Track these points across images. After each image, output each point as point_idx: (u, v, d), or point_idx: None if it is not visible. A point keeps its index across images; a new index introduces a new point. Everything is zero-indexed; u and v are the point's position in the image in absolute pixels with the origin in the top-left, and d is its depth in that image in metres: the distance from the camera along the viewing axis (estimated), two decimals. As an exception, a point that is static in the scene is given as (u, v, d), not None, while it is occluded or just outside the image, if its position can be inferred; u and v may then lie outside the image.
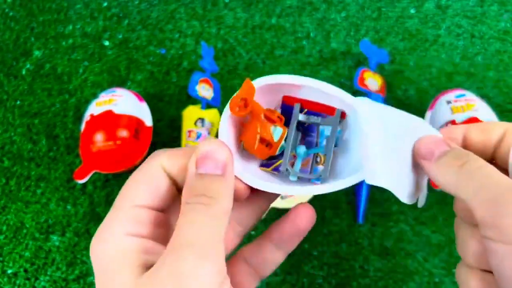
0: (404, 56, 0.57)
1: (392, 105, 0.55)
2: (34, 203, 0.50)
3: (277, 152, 0.26)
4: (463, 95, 0.47)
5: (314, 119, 0.26)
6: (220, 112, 0.53)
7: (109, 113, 0.48)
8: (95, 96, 0.56)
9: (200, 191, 0.19)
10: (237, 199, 0.21)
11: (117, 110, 0.48)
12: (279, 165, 0.25)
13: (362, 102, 0.25)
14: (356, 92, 0.54)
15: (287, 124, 0.26)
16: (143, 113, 0.50)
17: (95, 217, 0.49)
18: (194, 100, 0.55)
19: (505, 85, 0.53)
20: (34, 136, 0.55)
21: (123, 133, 0.47)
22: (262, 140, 0.25)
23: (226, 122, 0.25)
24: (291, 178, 0.25)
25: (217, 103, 0.52)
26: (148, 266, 0.18)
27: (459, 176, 0.20)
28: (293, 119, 0.26)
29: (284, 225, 0.24)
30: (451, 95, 0.48)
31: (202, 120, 0.50)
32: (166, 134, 0.53)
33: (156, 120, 0.53)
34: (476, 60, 0.56)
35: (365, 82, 0.50)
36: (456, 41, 0.57)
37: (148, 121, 0.50)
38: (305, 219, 0.24)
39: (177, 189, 0.22)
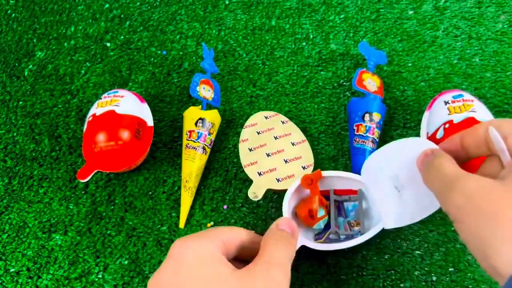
0: (402, 57, 0.57)
1: (390, 106, 0.56)
2: (36, 202, 0.51)
3: (315, 226, 0.42)
4: (461, 95, 0.47)
5: (343, 197, 0.45)
6: (220, 112, 0.54)
7: (111, 113, 0.48)
8: (97, 96, 0.57)
9: (282, 234, 0.33)
10: None
11: (119, 110, 0.48)
12: (329, 235, 0.42)
13: (364, 173, 0.42)
14: (354, 93, 0.55)
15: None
16: (145, 113, 0.51)
17: (97, 216, 0.49)
18: (195, 100, 0.56)
19: (502, 86, 0.54)
20: (36, 136, 0.55)
21: (125, 133, 0.47)
22: (310, 211, 0.41)
23: (289, 195, 0.43)
24: (342, 237, 0.43)
25: (218, 104, 0.53)
26: (234, 269, 0.29)
27: (426, 175, 0.32)
28: (331, 199, 0.44)
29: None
30: (448, 95, 0.48)
31: (202, 120, 0.50)
32: (167, 134, 0.54)
33: (157, 120, 0.54)
34: (473, 61, 0.56)
35: (363, 83, 0.51)
36: (454, 42, 0.58)
37: (149, 121, 0.51)
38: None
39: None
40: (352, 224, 0.43)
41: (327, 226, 0.43)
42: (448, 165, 0.29)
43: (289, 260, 0.30)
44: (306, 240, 0.41)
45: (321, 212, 0.42)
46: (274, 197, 0.49)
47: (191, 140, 0.50)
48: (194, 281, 0.25)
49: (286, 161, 0.48)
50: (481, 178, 0.26)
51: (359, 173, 0.43)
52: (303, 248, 0.41)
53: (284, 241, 0.31)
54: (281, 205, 0.43)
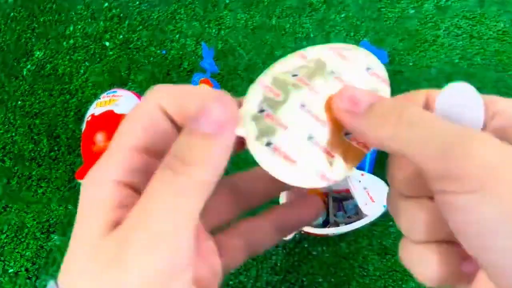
0: (404, 56, 0.57)
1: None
2: (35, 202, 0.51)
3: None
4: (462, 95, 0.47)
5: (342, 194, 0.46)
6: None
7: (110, 113, 0.48)
8: (96, 96, 0.56)
9: (177, 152, 0.15)
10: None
11: (118, 110, 0.48)
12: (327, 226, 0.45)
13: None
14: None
15: None
16: (144, 113, 0.50)
17: (96, 217, 0.49)
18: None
19: (504, 85, 0.54)
20: (35, 136, 0.55)
21: (124, 133, 0.47)
22: None
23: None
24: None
25: (217, 103, 0.53)
26: (116, 223, 0.16)
27: (397, 128, 0.16)
28: (329, 196, 0.46)
29: (289, 213, 0.23)
30: (450, 95, 0.48)
31: (202, 120, 0.50)
32: (167, 134, 0.54)
33: (156, 120, 0.54)
34: (475, 60, 0.56)
35: (364, 82, 0.51)
36: (455, 42, 0.57)
37: (148, 121, 0.51)
38: (313, 212, 0.23)
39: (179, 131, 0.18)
40: (352, 218, 0.44)
41: (325, 223, 0.43)
42: (438, 119, 0.16)
43: (177, 225, 0.15)
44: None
45: None
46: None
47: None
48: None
49: None
50: (498, 142, 0.15)
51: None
52: (303, 249, 0.41)
53: (174, 172, 0.15)
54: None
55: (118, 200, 0.16)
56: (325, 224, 0.43)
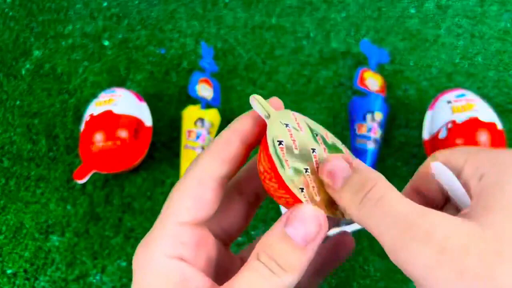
0: (404, 56, 0.56)
1: (392, 105, 0.55)
2: (33, 203, 0.50)
3: None
4: (464, 95, 0.47)
5: None
6: (220, 112, 0.53)
7: (108, 113, 0.47)
8: (94, 96, 0.56)
9: (276, 256, 0.18)
10: None
11: (117, 110, 0.48)
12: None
13: None
14: (356, 92, 0.54)
15: None
16: (143, 113, 0.50)
17: (95, 217, 0.49)
18: (194, 100, 0.55)
19: (505, 85, 0.53)
20: (33, 136, 0.55)
21: (123, 133, 0.47)
22: None
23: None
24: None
25: (217, 103, 0.52)
26: None
27: (361, 212, 0.18)
28: None
29: (325, 253, 0.25)
30: (451, 95, 0.47)
31: (202, 120, 0.50)
32: (166, 134, 0.53)
33: (155, 120, 0.53)
34: (476, 60, 0.55)
35: (365, 82, 0.50)
36: (456, 41, 0.57)
37: (147, 121, 0.50)
38: (347, 251, 0.25)
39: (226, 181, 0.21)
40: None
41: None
42: (397, 197, 0.17)
43: None
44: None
45: None
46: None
47: (190, 140, 0.49)
48: None
49: None
50: (452, 218, 0.16)
51: None
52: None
53: (273, 273, 0.18)
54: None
55: (174, 275, 0.19)
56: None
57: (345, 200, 0.18)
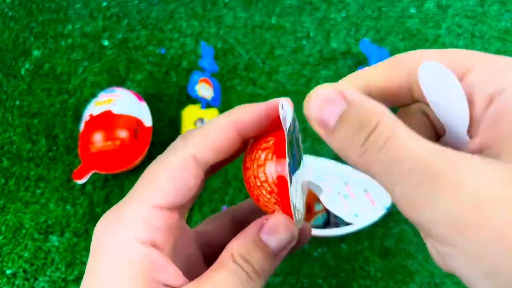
0: (405, 56, 0.56)
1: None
2: (33, 203, 0.50)
3: (312, 222, 0.41)
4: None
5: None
6: (220, 112, 0.53)
7: (108, 113, 0.47)
8: (94, 96, 0.56)
9: (252, 260, 0.17)
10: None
11: (116, 110, 0.48)
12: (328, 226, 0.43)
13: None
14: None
15: None
16: (143, 113, 0.50)
17: (95, 218, 0.49)
18: (194, 100, 0.55)
19: (505, 85, 0.53)
20: (33, 136, 0.54)
21: (122, 133, 0.47)
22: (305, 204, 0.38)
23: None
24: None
25: (217, 103, 0.52)
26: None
27: (363, 158, 0.14)
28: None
29: None
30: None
31: (201, 120, 0.50)
32: (166, 134, 0.53)
33: (155, 120, 0.53)
34: (476, 60, 0.55)
35: (365, 82, 0.50)
36: (457, 41, 0.57)
37: (147, 121, 0.50)
38: (304, 238, 0.24)
39: (204, 172, 0.19)
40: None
41: (326, 224, 0.43)
42: (408, 136, 0.13)
43: None
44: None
45: (318, 207, 0.41)
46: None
47: (190, 140, 0.49)
48: None
49: None
50: (476, 160, 0.13)
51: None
52: (303, 250, 0.40)
53: (251, 278, 0.17)
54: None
55: (141, 260, 0.17)
56: (326, 225, 0.43)
57: (341, 143, 0.14)
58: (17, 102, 0.57)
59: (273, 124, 0.19)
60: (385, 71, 0.16)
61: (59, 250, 0.47)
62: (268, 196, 0.18)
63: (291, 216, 0.18)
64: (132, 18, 0.62)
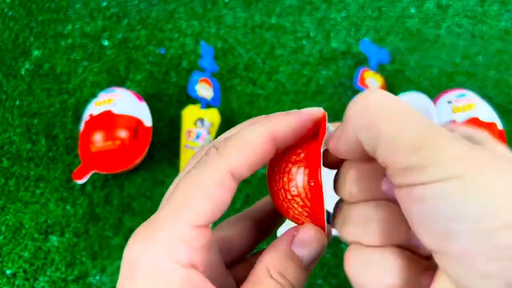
0: (405, 56, 0.56)
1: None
2: (33, 203, 0.50)
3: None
4: (464, 95, 0.47)
5: None
6: (220, 112, 0.53)
7: (108, 113, 0.47)
8: (94, 96, 0.56)
9: (286, 273, 0.17)
10: None
11: (116, 110, 0.48)
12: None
13: None
14: (356, 92, 0.54)
15: None
16: (143, 113, 0.50)
17: (94, 217, 0.49)
18: (194, 100, 0.55)
19: (505, 85, 0.53)
20: (33, 136, 0.54)
21: (122, 133, 0.47)
22: None
23: None
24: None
25: (217, 103, 0.52)
26: None
27: (372, 119, 0.16)
28: None
29: None
30: (452, 95, 0.47)
31: (201, 120, 0.50)
32: (166, 134, 0.53)
33: (155, 120, 0.53)
34: (476, 60, 0.55)
35: (365, 81, 0.50)
36: (457, 41, 0.57)
37: (147, 121, 0.50)
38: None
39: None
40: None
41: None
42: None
43: None
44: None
45: None
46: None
47: (190, 140, 0.49)
48: None
49: None
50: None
51: None
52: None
53: (284, 285, 0.17)
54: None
55: (185, 282, 0.16)
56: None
57: (350, 114, 0.17)
58: (17, 102, 0.57)
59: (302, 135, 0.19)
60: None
61: (59, 250, 0.47)
62: (300, 209, 0.18)
63: (323, 227, 0.18)
64: (132, 18, 0.62)
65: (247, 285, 0.17)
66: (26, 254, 0.48)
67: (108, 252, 0.47)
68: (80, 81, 0.58)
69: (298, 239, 0.18)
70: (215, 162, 0.17)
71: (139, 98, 0.51)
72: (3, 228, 0.49)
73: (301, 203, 0.18)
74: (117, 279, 0.48)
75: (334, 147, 0.17)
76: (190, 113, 0.50)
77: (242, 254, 0.20)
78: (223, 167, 0.17)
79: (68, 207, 0.50)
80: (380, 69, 0.55)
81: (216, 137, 0.52)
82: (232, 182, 0.17)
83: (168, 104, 0.55)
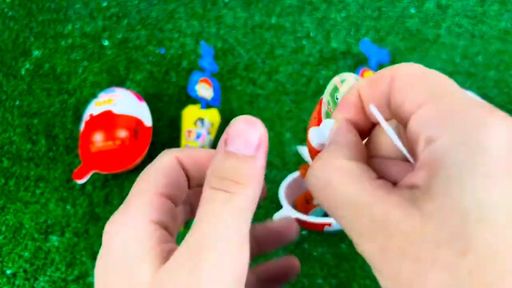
0: (405, 56, 0.56)
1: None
2: (33, 203, 0.50)
3: (310, 213, 0.41)
4: (464, 95, 0.47)
5: None
6: (220, 112, 0.53)
7: (108, 113, 0.47)
8: (94, 96, 0.56)
9: (226, 174, 0.16)
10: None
11: (116, 110, 0.48)
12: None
13: None
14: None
15: None
16: (143, 113, 0.50)
17: (94, 217, 0.49)
18: (194, 100, 0.55)
19: (505, 85, 0.53)
20: (33, 136, 0.54)
21: (122, 133, 0.47)
22: (305, 197, 0.41)
23: (285, 184, 0.43)
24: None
25: (217, 103, 0.52)
26: (165, 257, 0.17)
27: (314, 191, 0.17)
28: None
29: (272, 267, 0.24)
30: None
31: (201, 120, 0.50)
32: (166, 134, 0.53)
33: (155, 120, 0.53)
34: (476, 60, 0.55)
35: (365, 82, 0.50)
36: (457, 41, 0.57)
37: (147, 121, 0.50)
38: (294, 272, 0.24)
39: (188, 184, 0.21)
40: None
41: (326, 215, 0.43)
42: (342, 181, 0.15)
43: (239, 240, 0.16)
44: (297, 213, 0.41)
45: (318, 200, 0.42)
46: (275, 197, 0.48)
47: (190, 140, 0.49)
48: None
49: None
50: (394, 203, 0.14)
51: None
52: (303, 250, 0.40)
53: (230, 193, 0.16)
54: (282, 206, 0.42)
55: (159, 237, 0.17)
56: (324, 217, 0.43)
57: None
58: (17, 102, 0.57)
59: None
60: (367, 91, 0.17)
61: (59, 250, 0.47)
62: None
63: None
64: (132, 18, 0.62)
65: (197, 212, 0.17)
66: (26, 254, 0.48)
67: (108, 252, 0.47)
68: (80, 81, 0.58)
69: (227, 138, 0.17)
70: (165, 153, 0.20)
71: (139, 98, 0.51)
72: (3, 228, 0.49)
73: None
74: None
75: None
76: (190, 113, 0.50)
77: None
78: (170, 155, 0.20)
79: (68, 207, 0.50)
80: (380, 69, 0.55)
81: (216, 137, 0.52)
82: (177, 164, 0.20)
83: (168, 104, 0.55)
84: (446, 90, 0.15)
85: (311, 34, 0.59)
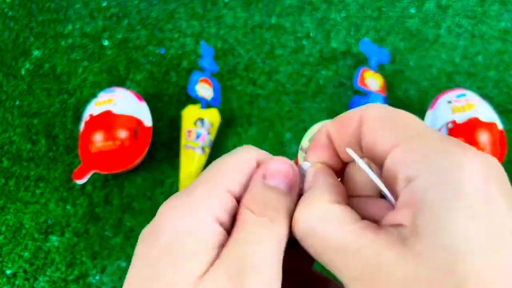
0: (405, 56, 0.56)
1: (393, 105, 0.55)
2: (33, 203, 0.50)
3: None
4: (464, 95, 0.47)
5: None
6: (220, 112, 0.53)
7: (108, 113, 0.47)
8: (94, 96, 0.56)
9: (268, 202, 0.17)
10: None
11: (116, 110, 0.48)
12: None
13: None
14: (356, 92, 0.54)
15: None
16: (143, 113, 0.50)
17: (94, 217, 0.49)
18: (194, 100, 0.55)
19: (505, 85, 0.53)
20: (33, 136, 0.54)
21: (122, 133, 0.47)
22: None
23: None
24: None
25: (217, 103, 0.52)
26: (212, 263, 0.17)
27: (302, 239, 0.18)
28: None
29: None
30: (452, 95, 0.47)
31: (201, 120, 0.50)
32: (166, 134, 0.53)
33: (155, 120, 0.53)
34: (476, 60, 0.55)
35: (365, 81, 0.50)
36: (457, 41, 0.57)
37: (147, 121, 0.50)
38: None
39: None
40: None
41: None
42: (327, 227, 0.16)
43: (277, 253, 0.17)
44: None
45: None
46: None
47: (190, 140, 0.49)
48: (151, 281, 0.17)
49: None
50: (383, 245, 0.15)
51: None
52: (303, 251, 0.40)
53: (271, 220, 0.17)
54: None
55: (219, 240, 0.17)
56: None
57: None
58: (17, 102, 0.57)
59: None
60: (336, 132, 0.19)
61: (59, 250, 0.47)
62: None
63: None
64: (132, 18, 0.62)
65: (235, 232, 0.17)
66: (26, 254, 0.48)
67: (108, 252, 0.47)
68: (80, 81, 0.58)
69: (266, 173, 0.18)
70: (245, 150, 0.19)
71: (139, 98, 0.51)
72: (3, 228, 0.49)
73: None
74: (117, 279, 0.48)
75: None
76: (190, 113, 0.50)
77: None
78: (250, 154, 0.19)
79: (68, 207, 0.50)
80: (380, 69, 0.55)
81: (216, 137, 0.52)
82: (254, 164, 0.19)
83: (168, 104, 0.55)
84: (417, 130, 0.16)
85: (311, 34, 0.59)
